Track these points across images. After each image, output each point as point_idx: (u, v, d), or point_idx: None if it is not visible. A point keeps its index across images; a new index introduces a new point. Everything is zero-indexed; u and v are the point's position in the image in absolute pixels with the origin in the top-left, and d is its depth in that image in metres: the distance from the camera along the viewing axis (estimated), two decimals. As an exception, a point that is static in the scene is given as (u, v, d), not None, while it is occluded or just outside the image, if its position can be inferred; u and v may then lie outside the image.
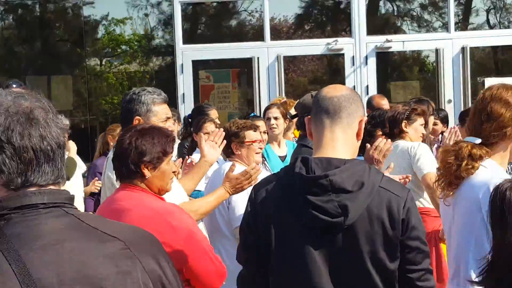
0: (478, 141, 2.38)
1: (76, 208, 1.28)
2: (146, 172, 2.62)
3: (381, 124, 4.52)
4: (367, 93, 8.65)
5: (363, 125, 2.06)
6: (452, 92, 9.12)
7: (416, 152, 4.26)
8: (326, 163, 1.96)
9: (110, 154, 3.31)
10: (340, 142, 2.02)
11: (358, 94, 2.17)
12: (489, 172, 2.27)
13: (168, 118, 3.60)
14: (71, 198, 1.27)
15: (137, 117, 3.37)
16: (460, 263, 2.46)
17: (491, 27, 10.48)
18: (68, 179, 5.37)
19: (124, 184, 2.69)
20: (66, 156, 2.49)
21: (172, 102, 8.33)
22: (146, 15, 10.17)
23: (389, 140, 3.81)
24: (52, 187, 1.23)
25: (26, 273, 1.12)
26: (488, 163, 2.34)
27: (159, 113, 3.46)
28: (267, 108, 5.72)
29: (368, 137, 4.41)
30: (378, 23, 10.49)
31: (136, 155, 2.59)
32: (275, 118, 5.34)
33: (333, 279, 1.91)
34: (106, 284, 1.20)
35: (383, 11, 10.79)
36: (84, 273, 1.19)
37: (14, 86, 5.23)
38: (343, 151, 2.01)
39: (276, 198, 2.03)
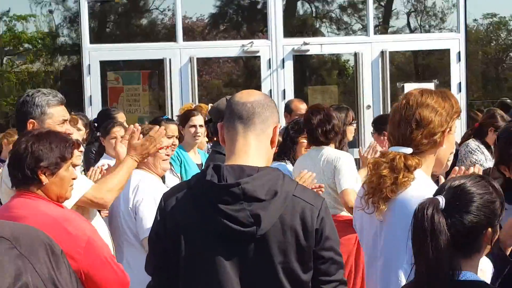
0: (410, 150, 2.28)
1: None
2: (43, 178, 2.62)
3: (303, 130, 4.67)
4: (284, 98, 8.89)
5: (278, 132, 2.10)
6: (371, 97, 9.17)
7: (339, 164, 4.28)
8: (239, 170, 1.96)
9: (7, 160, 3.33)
10: (253, 149, 2.02)
11: (273, 100, 2.22)
12: (422, 184, 2.19)
13: (65, 120, 3.47)
14: None
15: (31, 120, 3.30)
16: (391, 279, 2.29)
17: (411, 31, 10.93)
18: None
19: (19, 191, 2.68)
20: None
21: (79, 105, 8.70)
22: (51, 11, 10.09)
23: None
24: None
25: None
26: (418, 174, 2.27)
27: (54, 116, 3.33)
28: (191, 115, 5.52)
29: (290, 143, 4.65)
30: (296, 25, 10.60)
31: (33, 161, 2.58)
32: (201, 126, 5.31)
33: None
34: None
35: (301, 12, 10.94)
36: None
37: None
38: (256, 159, 2.01)
39: (186, 206, 2.01)
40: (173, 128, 4.95)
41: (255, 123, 2.02)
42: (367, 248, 2.60)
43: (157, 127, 3.83)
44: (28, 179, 2.62)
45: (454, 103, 2.45)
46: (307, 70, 10.36)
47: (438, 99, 2.40)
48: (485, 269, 2.15)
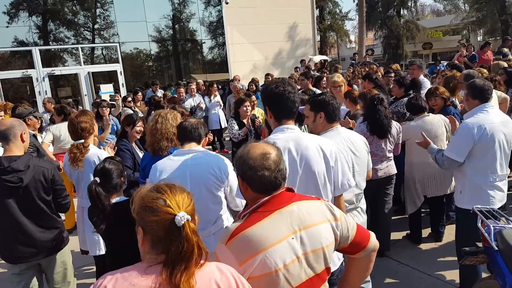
0: None
1: None
2: None
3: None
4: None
5: (24, 138, 3.18)
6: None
7: None
8: (10, 159, 3.07)
9: None
10: (14, 148, 3.13)
11: (20, 121, 3.28)
12: None
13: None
14: None
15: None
16: None
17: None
18: None
19: None
20: None
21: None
22: None
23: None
24: None
25: None
26: None
27: None
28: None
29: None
30: (48, 58, 14.29)
31: None
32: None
33: (22, 211, 3.20)
34: None
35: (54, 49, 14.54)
36: None
37: None
38: (17, 152, 3.14)
39: None
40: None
41: (10, 137, 3.10)
42: None
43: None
44: None
45: None
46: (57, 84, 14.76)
47: None
48: None
